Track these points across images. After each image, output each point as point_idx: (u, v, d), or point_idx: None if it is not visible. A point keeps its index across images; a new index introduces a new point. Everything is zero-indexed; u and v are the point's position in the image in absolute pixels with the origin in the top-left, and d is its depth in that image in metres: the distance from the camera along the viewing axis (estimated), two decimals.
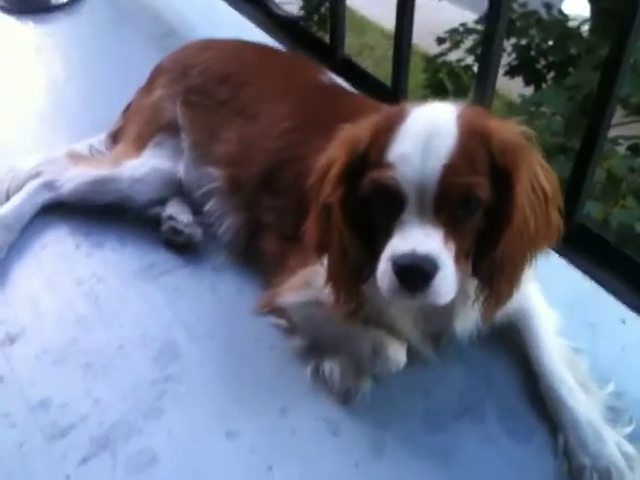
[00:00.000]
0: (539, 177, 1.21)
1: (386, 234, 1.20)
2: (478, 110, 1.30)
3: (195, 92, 1.88)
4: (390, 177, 1.17)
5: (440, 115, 1.22)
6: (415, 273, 1.14)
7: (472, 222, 1.20)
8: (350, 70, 2.35)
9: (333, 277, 1.35)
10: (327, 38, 2.51)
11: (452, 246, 1.17)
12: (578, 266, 1.69)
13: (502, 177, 1.18)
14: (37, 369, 1.51)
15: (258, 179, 1.69)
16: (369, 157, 1.22)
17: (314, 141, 1.53)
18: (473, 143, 1.18)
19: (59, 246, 1.83)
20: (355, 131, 1.26)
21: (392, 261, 1.16)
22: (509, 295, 1.28)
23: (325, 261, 1.37)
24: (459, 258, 1.20)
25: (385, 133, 1.20)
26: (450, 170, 1.14)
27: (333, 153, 1.28)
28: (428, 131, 1.17)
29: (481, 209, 1.19)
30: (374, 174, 1.19)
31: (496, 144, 1.18)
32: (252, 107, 1.78)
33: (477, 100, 1.99)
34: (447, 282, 1.17)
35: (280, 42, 2.46)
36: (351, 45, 4.90)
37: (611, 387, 1.41)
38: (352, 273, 1.31)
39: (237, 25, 2.64)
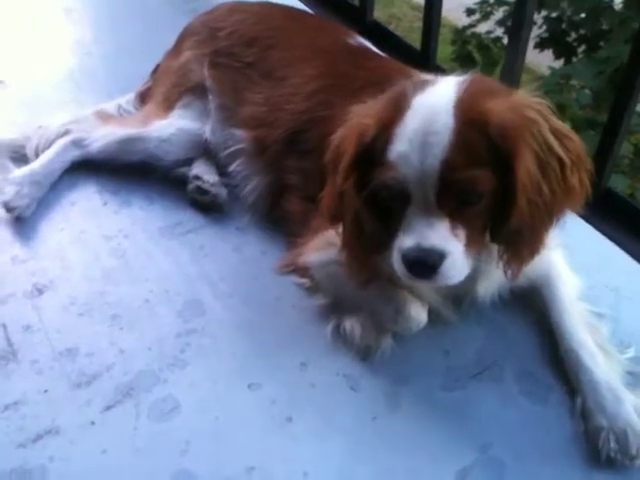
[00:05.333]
0: (552, 147, 1.21)
1: (397, 221, 1.26)
2: (483, 85, 1.28)
3: (223, 54, 1.89)
4: (392, 177, 1.21)
5: (439, 105, 1.21)
6: (421, 265, 1.21)
7: (478, 207, 1.22)
8: (379, 34, 2.34)
9: (347, 247, 1.39)
10: (356, 2, 2.49)
11: (461, 231, 1.21)
12: (602, 231, 1.69)
13: (505, 159, 1.18)
14: (64, 319, 1.55)
15: (284, 140, 1.70)
16: (375, 148, 1.25)
17: (341, 103, 1.54)
18: (471, 133, 1.18)
19: (87, 203, 1.86)
20: (362, 120, 1.28)
21: (401, 254, 1.23)
22: (532, 255, 1.29)
23: (340, 230, 1.40)
24: (472, 237, 1.23)
25: (387, 127, 1.22)
26: (448, 166, 1.17)
27: (344, 140, 1.30)
28: (425, 128, 1.18)
29: (485, 197, 1.21)
30: (378, 174, 1.23)
31: (494, 130, 1.18)
32: (279, 69, 1.79)
33: (506, 73, 1.98)
34: (455, 267, 1.22)
35: (308, 5, 2.46)
36: (378, 16, 4.84)
37: (632, 352, 1.41)
38: (367, 246, 1.35)
39: None
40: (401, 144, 1.20)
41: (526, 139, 1.19)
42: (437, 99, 1.23)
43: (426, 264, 1.21)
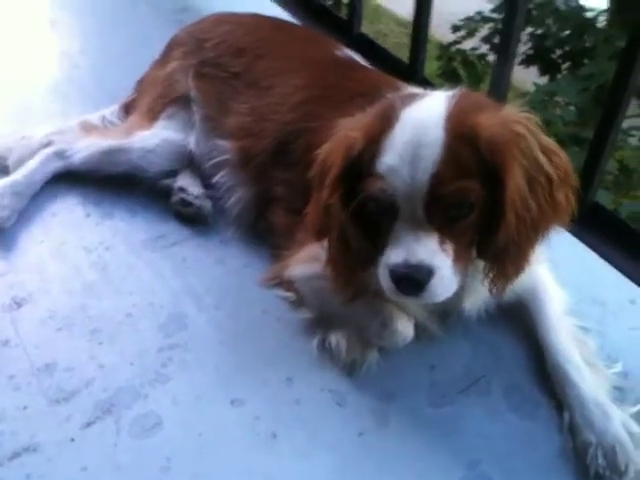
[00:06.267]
0: (540, 163, 1.20)
1: (384, 236, 1.23)
2: (472, 100, 1.28)
3: (209, 65, 1.88)
4: (380, 190, 1.19)
5: (428, 118, 1.20)
6: (409, 281, 1.18)
7: (467, 221, 1.21)
8: (366, 46, 2.33)
9: (333, 263, 1.37)
10: (343, 15, 2.50)
11: (450, 246, 1.20)
12: (589, 245, 1.69)
13: (493, 173, 1.17)
14: (43, 334, 1.51)
15: (269, 151, 1.69)
16: (363, 161, 1.23)
17: (326, 114, 1.53)
18: (461, 147, 1.17)
19: (69, 215, 1.83)
20: (349, 133, 1.26)
21: (388, 269, 1.21)
22: (517, 273, 1.28)
23: (325, 244, 1.38)
24: (460, 253, 1.22)
25: (376, 140, 1.21)
26: (438, 179, 1.15)
27: (330, 154, 1.28)
28: (415, 141, 1.17)
29: (474, 210, 1.19)
30: (366, 186, 1.21)
31: (484, 144, 1.17)
32: (265, 80, 1.78)
33: (493, 89, 1.99)
34: (444, 282, 1.20)
35: (296, 17, 2.45)
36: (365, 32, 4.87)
37: (619, 367, 1.41)
38: (353, 262, 1.32)
39: (253, 0, 2.62)
40: (391, 157, 1.18)
41: (515, 154, 1.18)
42: (427, 112, 1.22)
43: (414, 280, 1.18)
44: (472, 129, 1.18)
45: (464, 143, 1.17)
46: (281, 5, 2.61)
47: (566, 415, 1.32)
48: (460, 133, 1.18)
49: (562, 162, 1.24)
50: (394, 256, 1.20)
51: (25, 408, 1.37)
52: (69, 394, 1.39)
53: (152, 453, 1.29)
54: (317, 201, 1.33)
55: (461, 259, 1.23)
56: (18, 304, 1.58)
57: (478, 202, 1.18)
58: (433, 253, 1.18)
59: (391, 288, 1.22)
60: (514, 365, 1.44)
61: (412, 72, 2.16)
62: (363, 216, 1.27)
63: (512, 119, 1.22)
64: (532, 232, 1.23)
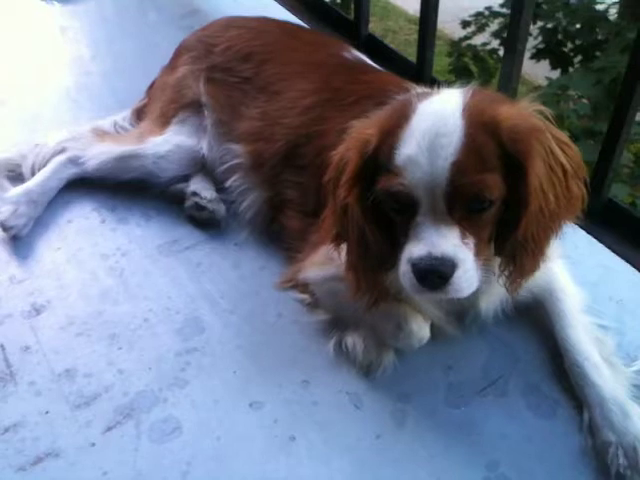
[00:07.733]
0: (556, 154, 1.20)
1: (404, 232, 1.22)
2: (486, 95, 1.27)
3: (218, 70, 1.88)
4: (399, 183, 1.17)
5: (446, 109, 1.19)
6: (433, 275, 1.16)
7: (488, 214, 1.19)
8: (374, 47, 2.33)
9: (353, 268, 1.35)
10: (351, 16, 2.49)
11: (471, 239, 1.18)
12: (605, 243, 1.68)
13: (515, 164, 1.16)
14: (62, 340, 1.53)
15: (280, 155, 1.69)
16: (379, 158, 1.21)
17: (336, 117, 1.54)
18: (481, 136, 1.16)
19: (84, 221, 1.85)
20: (364, 131, 1.25)
21: (410, 264, 1.18)
22: (534, 269, 1.28)
23: (344, 250, 1.37)
24: (480, 247, 1.20)
25: (392, 133, 1.19)
26: (459, 169, 1.13)
27: (345, 153, 1.27)
28: (434, 130, 1.15)
29: (495, 203, 1.18)
30: (384, 181, 1.19)
31: (505, 133, 1.16)
32: (275, 84, 1.78)
33: (503, 85, 1.98)
34: (467, 277, 1.18)
35: (303, 19, 2.45)
36: (374, 29, 4.87)
37: (638, 365, 1.39)
38: (373, 264, 1.31)
39: (260, 3, 2.64)
40: (409, 147, 1.16)
41: (539, 144, 1.18)
42: (444, 104, 1.21)
43: (438, 273, 1.16)
44: (493, 119, 1.17)
45: (485, 132, 1.16)
46: (288, 8, 2.61)
47: (585, 414, 1.32)
48: (480, 122, 1.17)
49: (574, 154, 1.24)
50: (416, 250, 1.17)
51: (47, 413, 1.39)
52: (89, 399, 1.41)
53: (172, 457, 1.30)
54: (334, 204, 1.32)
55: (481, 255, 1.21)
56: (37, 311, 1.60)
57: (499, 195, 1.17)
58: (455, 246, 1.16)
59: (414, 285, 1.19)
60: (531, 365, 1.44)
61: (420, 71, 2.15)
62: (380, 215, 1.25)
63: (528, 112, 1.22)
64: (549, 225, 1.23)
